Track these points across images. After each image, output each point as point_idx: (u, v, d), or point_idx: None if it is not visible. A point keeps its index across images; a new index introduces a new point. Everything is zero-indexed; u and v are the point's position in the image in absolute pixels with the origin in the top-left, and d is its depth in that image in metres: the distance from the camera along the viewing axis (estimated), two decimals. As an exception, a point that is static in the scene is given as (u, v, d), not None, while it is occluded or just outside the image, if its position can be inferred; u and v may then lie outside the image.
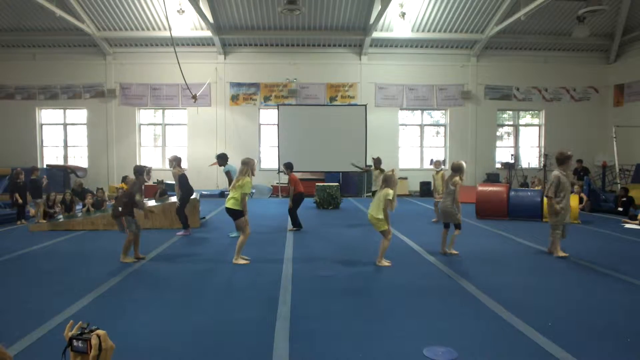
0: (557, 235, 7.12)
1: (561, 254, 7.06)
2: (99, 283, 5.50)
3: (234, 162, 18.05)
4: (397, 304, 4.77)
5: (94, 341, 1.60)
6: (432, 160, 10.36)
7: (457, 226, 7.21)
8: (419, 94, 19.32)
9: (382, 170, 9.75)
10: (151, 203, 10.27)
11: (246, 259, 6.76)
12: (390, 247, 7.60)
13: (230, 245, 7.76)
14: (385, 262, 6.56)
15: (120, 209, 6.89)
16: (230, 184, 7.81)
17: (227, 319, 4.35)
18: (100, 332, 1.64)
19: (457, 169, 7.19)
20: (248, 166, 6.63)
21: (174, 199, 10.94)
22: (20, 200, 10.94)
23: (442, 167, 10.00)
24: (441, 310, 4.58)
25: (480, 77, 19.24)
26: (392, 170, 6.69)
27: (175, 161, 9.22)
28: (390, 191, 6.35)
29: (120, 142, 18.71)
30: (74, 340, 1.63)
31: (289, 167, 9.76)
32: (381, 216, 6.42)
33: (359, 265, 6.57)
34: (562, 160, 7.15)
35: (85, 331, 1.66)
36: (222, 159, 9.19)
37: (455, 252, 7.25)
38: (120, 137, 18.89)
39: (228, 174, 8.95)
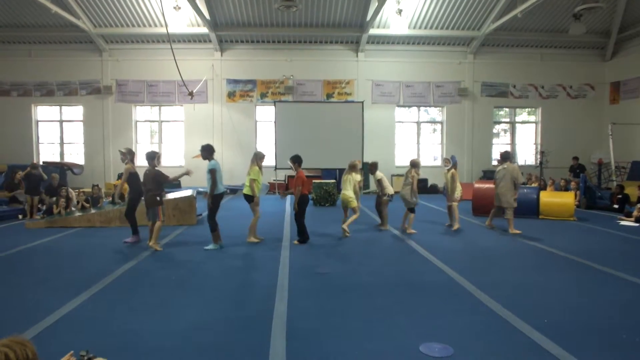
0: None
1: (516, 231, 8.85)
2: (94, 281, 5.48)
3: (231, 159, 18.23)
4: (394, 301, 4.77)
5: None
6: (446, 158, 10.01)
7: (412, 210, 9.04)
8: (416, 90, 19.30)
9: (377, 178, 9.41)
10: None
11: (259, 238, 8.02)
12: (389, 246, 7.68)
13: (226, 245, 7.75)
14: (347, 231, 8.47)
15: (158, 198, 7.48)
16: (212, 183, 7.38)
17: (223, 316, 4.35)
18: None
19: (414, 165, 9.14)
20: (256, 157, 7.95)
21: (188, 192, 10.91)
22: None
23: (450, 164, 9.67)
24: (438, 307, 4.58)
25: (476, 74, 19.24)
26: (357, 161, 9.03)
27: (129, 155, 8.14)
28: (358, 176, 8.85)
29: (117, 139, 18.62)
30: None
31: (297, 160, 8.08)
32: (353, 195, 8.67)
33: (356, 263, 6.57)
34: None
35: (85, 359, 1.58)
36: (206, 152, 7.57)
37: (414, 232, 8.88)
38: (117, 134, 18.81)
39: (212, 172, 7.42)
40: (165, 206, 9.71)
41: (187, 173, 7.72)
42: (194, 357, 3.50)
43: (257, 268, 6.29)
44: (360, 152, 16.91)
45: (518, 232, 8.94)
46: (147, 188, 7.56)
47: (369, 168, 9.60)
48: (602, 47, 19.22)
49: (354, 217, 8.77)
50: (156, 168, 7.69)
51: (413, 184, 8.99)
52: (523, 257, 7.00)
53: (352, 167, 8.89)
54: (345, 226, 8.59)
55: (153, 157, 7.69)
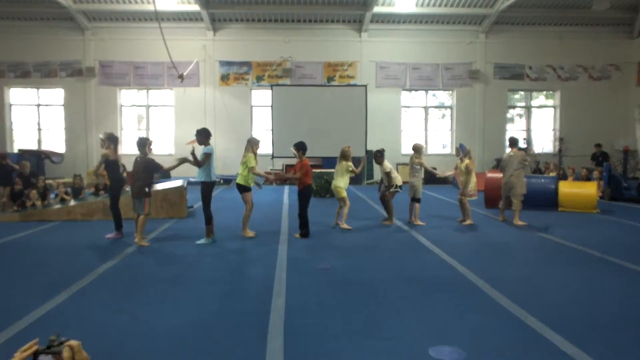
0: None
1: (520, 222, 9.03)
2: (75, 279, 5.45)
3: (225, 147, 18.18)
4: (400, 299, 4.76)
5: (66, 354, 1.51)
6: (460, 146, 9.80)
7: (417, 201, 9.22)
8: (423, 73, 19.23)
9: (386, 170, 9.16)
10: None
11: (252, 233, 7.98)
12: (394, 240, 7.68)
13: (218, 238, 7.73)
14: (346, 225, 8.68)
15: (147, 189, 7.43)
16: (200, 169, 7.35)
17: (218, 313, 4.34)
18: (73, 342, 1.54)
19: (416, 149, 9.39)
20: (250, 143, 7.96)
21: (178, 182, 10.87)
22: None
23: (461, 153, 9.49)
24: (447, 305, 4.57)
25: (489, 55, 19.14)
26: (349, 147, 8.99)
27: (110, 140, 7.94)
28: (350, 163, 8.79)
29: (100, 125, 18.55)
30: (41, 356, 1.51)
31: (301, 148, 8.06)
32: (342, 185, 8.77)
33: (359, 258, 6.56)
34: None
35: (55, 344, 1.53)
36: (203, 136, 7.55)
37: (422, 223, 9.07)
38: (100, 119, 18.75)
39: (207, 156, 7.42)
40: (153, 198, 9.70)
41: (187, 159, 7.51)
42: (186, 356, 3.49)
43: (254, 263, 6.29)
44: (363, 139, 16.87)
45: (523, 223, 9.03)
46: (136, 177, 7.53)
47: (375, 157, 9.32)
48: (629, 23, 19.02)
49: (346, 209, 8.85)
50: (148, 156, 7.65)
51: (426, 167, 9.45)
52: (539, 252, 7.00)
53: (343, 156, 8.86)
54: (343, 225, 8.73)
55: (144, 144, 7.64)
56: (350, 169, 8.80)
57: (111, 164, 7.91)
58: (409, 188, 9.40)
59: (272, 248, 7.09)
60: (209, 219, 7.47)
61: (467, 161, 9.25)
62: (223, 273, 5.78)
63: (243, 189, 7.94)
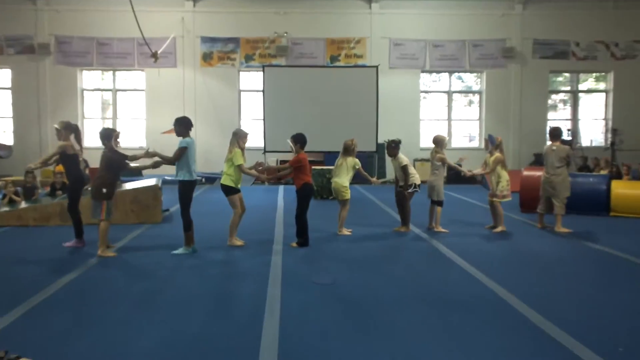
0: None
1: (564, 229, 9.09)
2: (27, 295, 5.45)
3: (208, 140, 18.18)
4: (417, 322, 4.75)
5: None
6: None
7: (439, 204, 9.22)
8: (447, 52, 19.24)
9: (401, 164, 9.08)
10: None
11: (241, 242, 8.02)
12: (411, 251, 7.67)
13: (197, 246, 7.74)
14: (346, 231, 8.94)
15: (105, 190, 7.36)
16: (177, 166, 7.35)
17: (198, 336, 4.33)
18: None
19: (437, 142, 9.42)
20: (236, 136, 7.90)
21: (152, 181, 10.88)
22: None
23: (490, 146, 9.48)
24: (475, 328, 4.56)
25: (527, 30, 19.14)
26: (352, 140, 9.03)
27: (68, 130, 7.90)
28: (357, 160, 8.90)
29: (57, 113, 18.56)
30: None
31: (299, 140, 8.12)
32: (347, 184, 8.85)
33: (368, 271, 6.56)
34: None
35: (6, 358, 1.55)
36: (182, 127, 7.55)
37: (445, 231, 9.08)
38: (57, 105, 18.79)
39: (182, 150, 7.34)
40: (121, 200, 9.70)
41: (153, 166, 7.67)
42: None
43: (242, 277, 6.28)
44: (373, 131, 16.88)
45: (567, 230, 9.04)
46: (97, 175, 7.55)
47: (388, 149, 9.29)
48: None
49: (344, 215, 8.99)
50: (115, 150, 7.64)
51: (447, 162, 9.34)
52: (586, 266, 7.00)
53: (346, 150, 8.93)
54: (341, 231, 8.94)
55: (109, 136, 7.58)
56: (358, 166, 8.87)
57: (69, 158, 7.87)
58: (427, 188, 9.42)
59: (264, 259, 7.08)
60: (187, 225, 7.47)
61: (496, 154, 9.23)
62: (205, 289, 5.77)
63: (229, 190, 7.93)
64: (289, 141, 8.16)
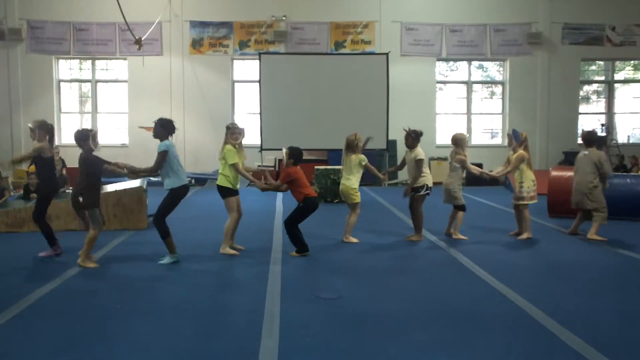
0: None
1: (597, 237, 9.04)
2: (2, 307, 5.49)
3: (197, 137, 18.18)
4: (434, 338, 4.76)
5: None
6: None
7: (461, 208, 9.23)
8: (465, 37, 19.23)
9: (417, 157, 8.96)
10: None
11: (235, 250, 8.08)
12: (426, 261, 7.69)
13: (187, 254, 7.77)
14: (353, 239, 8.93)
15: (81, 198, 7.33)
16: (162, 173, 7.40)
17: (187, 354, 4.35)
18: None
19: (457, 142, 9.35)
20: (227, 132, 8.05)
21: (136, 183, 10.89)
22: None
23: (514, 142, 9.47)
24: (498, 347, 4.57)
25: (556, 12, 19.11)
26: (355, 134, 9.01)
27: (42, 129, 7.93)
28: (362, 156, 8.88)
29: (30, 106, 18.65)
30: None
31: (294, 156, 8.10)
32: (357, 186, 8.91)
33: (378, 284, 6.58)
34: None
35: None
36: (164, 129, 7.56)
37: (464, 238, 9.13)
38: (30, 98, 18.83)
39: (162, 155, 7.34)
40: (103, 204, 9.70)
41: (126, 171, 7.79)
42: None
43: (237, 290, 6.31)
44: (383, 125, 16.90)
45: (601, 238, 9.01)
46: (77, 182, 7.58)
47: (407, 139, 9.12)
48: None
49: (352, 220, 8.99)
50: (94, 153, 7.61)
51: (467, 165, 9.28)
52: (622, 278, 6.98)
53: (349, 146, 8.96)
54: (347, 238, 8.97)
55: (86, 136, 7.54)
56: (364, 163, 8.85)
57: (44, 161, 7.87)
58: (442, 191, 9.42)
59: (261, 269, 7.10)
60: (165, 232, 7.45)
61: (520, 151, 9.24)
62: (195, 304, 5.78)
63: (224, 192, 7.99)
64: (283, 150, 8.20)
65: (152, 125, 7.70)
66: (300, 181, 7.94)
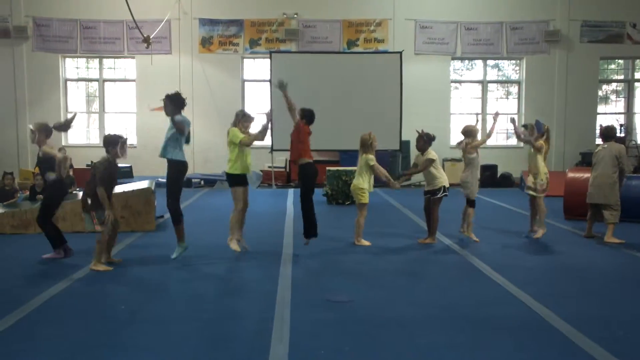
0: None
1: (615, 240, 9.01)
2: (3, 311, 5.53)
3: (206, 137, 18.22)
4: (448, 343, 4.77)
5: None
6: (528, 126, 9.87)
7: (471, 204, 9.12)
8: (481, 35, 19.17)
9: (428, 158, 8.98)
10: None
11: (241, 247, 8.12)
12: (439, 264, 7.70)
13: (195, 257, 7.80)
14: (365, 242, 8.89)
15: (89, 200, 7.38)
16: (169, 143, 7.50)
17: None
18: None
19: (468, 133, 9.32)
20: (237, 117, 8.16)
21: (144, 184, 10.93)
22: None
23: (534, 133, 9.53)
24: (512, 352, 4.57)
25: (574, 10, 19.02)
26: (370, 133, 8.98)
27: (43, 132, 8.02)
28: (371, 156, 8.82)
29: (36, 105, 18.74)
30: None
31: (307, 116, 8.74)
32: (365, 186, 8.88)
33: (390, 287, 6.59)
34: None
35: None
36: (174, 105, 7.70)
37: (475, 239, 9.03)
38: (36, 97, 18.91)
39: (179, 125, 7.51)
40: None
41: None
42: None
43: (245, 293, 6.33)
44: (397, 125, 16.86)
45: (618, 241, 9.00)
46: (88, 182, 7.63)
47: (418, 141, 9.11)
48: None
49: (362, 219, 9.03)
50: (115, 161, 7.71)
51: (477, 144, 9.26)
52: (641, 282, 6.97)
53: (363, 145, 9.00)
54: (359, 241, 8.97)
55: (115, 143, 7.57)
56: (371, 163, 8.83)
57: (49, 162, 7.92)
58: (461, 185, 9.44)
59: (270, 272, 7.11)
60: (178, 217, 7.57)
61: (540, 141, 9.35)
62: (204, 307, 5.81)
63: (232, 180, 8.12)
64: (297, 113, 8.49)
65: (162, 104, 7.83)
66: (306, 142, 8.31)
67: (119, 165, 8.08)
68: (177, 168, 7.55)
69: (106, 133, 7.99)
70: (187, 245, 7.70)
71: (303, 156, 8.22)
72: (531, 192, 9.34)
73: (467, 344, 4.77)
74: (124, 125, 19.62)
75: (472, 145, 9.16)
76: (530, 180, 9.41)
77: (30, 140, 8.22)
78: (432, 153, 8.95)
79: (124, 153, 7.66)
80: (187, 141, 7.85)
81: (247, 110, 8.65)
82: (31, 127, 8.14)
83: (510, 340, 4.86)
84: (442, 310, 5.71)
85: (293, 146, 8.43)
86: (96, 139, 19.11)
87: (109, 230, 7.43)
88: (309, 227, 8.31)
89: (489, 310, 5.73)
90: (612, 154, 9.06)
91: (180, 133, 7.55)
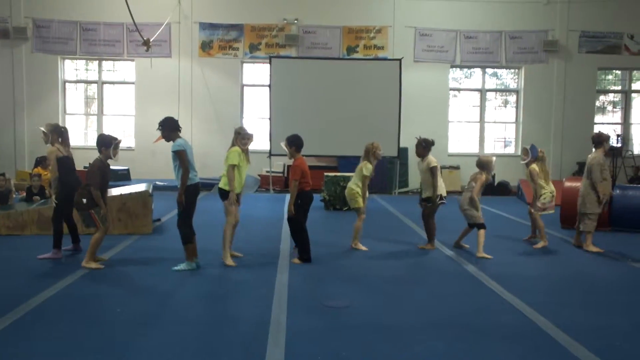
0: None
1: (593, 248, 9.01)
2: (3, 312, 5.51)
3: (205, 141, 18.19)
4: (445, 351, 4.76)
5: None
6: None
7: (481, 226, 8.78)
8: (480, 44, 19.22)
9: (430, 165, 8.92)
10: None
11: (234, 258, 7.97)
12: (437, 271, 7.67)
13: (201, 264, 7.77)
14: (362, 247, 8.98)
15: (84, 200, 7.40)
16: (183, 170, 7.30)
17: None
18: None
19: (483, 166, 8.90)
20: (239, 135, 7.94)
21: (141, 187, 10.91)
22: None
23: (529, 157, 9.47)
24: (510, 361, 4.56)
25: (573, 20, 19.07)
26: (372, 144, 9.07)
27: (54, 132, 8.14)
28: (369, 165, 8.93)
29: (35, 107, 18.72)
30: None
31: (294, 143, 8.21)
32: (358, 190, 8.97)
33: (387, 294, 6.58)
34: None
35: None
36: (168, 129, 7.56)
37: (488, 256, 8.55)
38: (35, 99, 18.88)
39: (180, 154, 7.32)
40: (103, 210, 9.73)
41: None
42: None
43: (243, 298, 6.31)
44: (395, 132, 16.86)
45: (597, 249, 9.04)
46: (83, 184, 7.64)
47: (417, 148, 9.07)
48: None
49: (358, 225, 9.08)
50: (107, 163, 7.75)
51: (475, 188, 8.77)
52: (638, 292, 6.95)
53: (365, 153, 9.10)
54: (356, 245, 9.06)
55: (108, 144, 7.62)
56: (366, 173, 8.95)
57: (62, 162, 7.98)
58: (460, 210, 9.12)
59: (267, 278, 7.10)
60: (188, 237, 7.43)
61: (533, 165, 9.40)
62: (199, 312, 5.80)
63: (225, 195, 7.98)
64: (282, 144, 8.26)
65: (159, 133, 7.65)
66: (307, 175, 8.09)
67: (117, 167, 8.06)
68: (187, 191, 7.47)
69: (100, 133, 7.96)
70: (196, 266, 7.50)
71: (301, 188, 8.03)
72: (534, 212, 9.44)
73: (465, 352, 4.75)
74: (122, 128, 19.58)
75: (481, 181, 8.74)
76: (534, 199, 9.51)
77: (43, 141, 8.21)
78: (434, 161, 8.93)
79: (116, 154, 7.71)
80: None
81: (245, 127, 8.48)
82: (43, 128, 8.19)
83: (507, 349, 4.85)
84: (439, 316, 5.71)
85: (292, 183, 8.17)
86: (94, 141, 18.98)
87: (106, 229, 7.48)
88: (305, 252, 8.07)
89: (487, 318, 5.72)
90: (595, 161, 9.06)
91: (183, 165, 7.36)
